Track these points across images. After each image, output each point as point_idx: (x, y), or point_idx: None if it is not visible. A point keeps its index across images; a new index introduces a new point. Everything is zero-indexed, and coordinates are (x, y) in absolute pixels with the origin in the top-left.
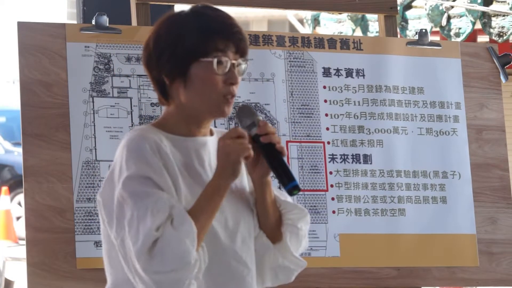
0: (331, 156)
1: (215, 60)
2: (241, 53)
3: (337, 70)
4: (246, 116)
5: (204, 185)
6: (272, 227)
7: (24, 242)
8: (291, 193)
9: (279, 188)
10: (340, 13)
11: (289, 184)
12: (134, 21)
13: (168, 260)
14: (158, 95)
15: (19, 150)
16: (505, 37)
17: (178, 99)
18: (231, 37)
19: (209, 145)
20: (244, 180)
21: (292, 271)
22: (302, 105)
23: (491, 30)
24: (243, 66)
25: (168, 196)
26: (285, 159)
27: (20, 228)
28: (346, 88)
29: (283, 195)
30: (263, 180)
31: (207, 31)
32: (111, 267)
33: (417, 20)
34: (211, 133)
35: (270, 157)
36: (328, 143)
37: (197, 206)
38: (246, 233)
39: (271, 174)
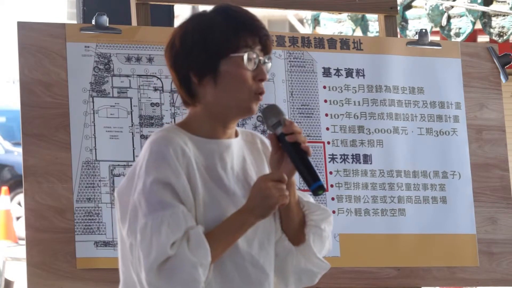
0: (331, 156)
1: (246, 55)
2: (266, 51)
3: (337, 70)
4: (272, 115)
5: (225, 189)
6: (295, 228)
7: (24, 242)
8: (316, 193)
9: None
10: (340, 13)
11: (314, 184)
12: (134, 21)
13: (176, 281)
14: (183, 96)
15: (19, 150)
16: (505, 37)
17: (206, 98)
18: (259, 34)
19: (233, 147)
20: None
21: (315, 273)
22: (302, 105)
23: (491, 30)
24: (269, 64)
25: (184, 210)
26: (310, 159)
27: (20, 228)
28: (346, 88)
29: (305, 196)
30: (288, 181)
31: (237, 27)
32: (124, 266)
33: (417, 20)
34: (236, 134)
35: (295, 156)
36: (328, 143)
37: (216, 235)
38: (264, 238)
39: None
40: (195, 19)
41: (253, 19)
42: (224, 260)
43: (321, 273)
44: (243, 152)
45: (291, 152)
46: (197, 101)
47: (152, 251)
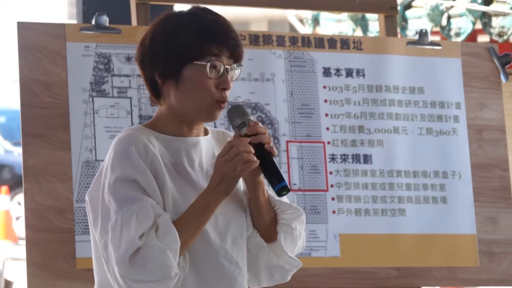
0: (331, 156)
1: (209, 64)
2: (236, 58)
3: (337, 70)
4: (237, 115)
5: (193, 185)
6: (267, 226)
7: (24, 242)
8: (279, 193)
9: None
10: (340, 13)
11: (278, 185)
12: (134, 21)
13: (148, 270)
14: (149, 94)
15: (19, 150)
16: (505, 37)
17: (169, 99)
18: (227, 42)
19: (201, 145)
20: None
21: (287, 271)
22: (302, 105)
23: (492, 30)
24: (237, 71)
25: (153, 203)
26: (276, 159)
27: (20, 228)
28: (346, 88)
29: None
30: (255, 180)
31: (203, 35)
32: (98, 267)
33: (417, 20)
34: (206, 133)
35: (259, 157)
36: (328, 143)
37: (184, 219)
38: (237, 233)
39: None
40: (166, 20)
41: (223, 27)
42: (198, 254)
43: (292, 271)
44: (213, 149)
45: (255, 153)
46: (162, 101)
47: (122, 244)
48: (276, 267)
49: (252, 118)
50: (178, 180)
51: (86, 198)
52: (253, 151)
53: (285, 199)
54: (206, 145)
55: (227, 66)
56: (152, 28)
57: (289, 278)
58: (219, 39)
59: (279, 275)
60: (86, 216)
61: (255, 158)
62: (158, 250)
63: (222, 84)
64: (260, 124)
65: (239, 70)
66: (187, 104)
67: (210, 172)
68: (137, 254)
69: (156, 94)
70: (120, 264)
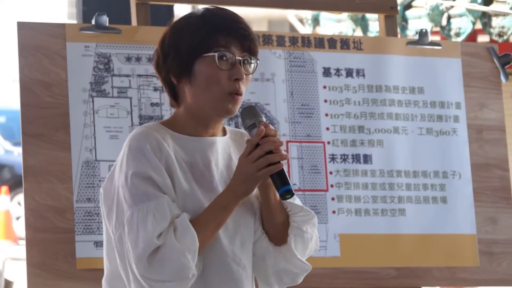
0: (331, 156)
1: (217, 55)
2: (249, 51)
3: (337, 70)
4: (248, 116)
5: (205, 185)
6: (279, 228)
7: (24, 242)
8: (283, 197)
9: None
10: (340, 13)
11: (282, 188)
12: (134, 21)
13: (166, 271)
14: (169, 97)
15: (19, 150)
16: (505, 37)
17: (186, 99)
18: (234, 33)
19: (218, 145)
20: None
21: (296, 274)
22: (302, 105)
23: (492, 30)
24: (252, 65)
25: (169, 201)
26: (283, 162)
27: (20, 228)
28: (346, 88)
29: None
30: (265, 181)
31: (209, 27)
32: (108, 260)
33: (417, 20)
34: (224, 133)
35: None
36: (328, 143)
37: (203, 219)
38: (246, 237)
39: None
40: (175, 22)
41: (229, 19)
42: (208, 255)
43: (303, 274)
44: (229, 150)
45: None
46: (180, 102)
47: (139, 242)
48: (284, 271)
49: (264, 119)
50: (190, 179)
51: (101, 191)
52: (281, 151)
53: (297, 201)
54: (222, 145)
55: (239, 58)
56: (164, 32)
57: (299, 281)
58: (226, 30)
59: (289, 279)
60: (86, 216)
61: (284, 156)
62: (176, 251)
63: (234, 74)
64: (271, 126)
65: (255, 64)
66: (202, 99)
67: (224, 173)
68: (156, 254)
69: (174, 96)
70: (138, 263)
